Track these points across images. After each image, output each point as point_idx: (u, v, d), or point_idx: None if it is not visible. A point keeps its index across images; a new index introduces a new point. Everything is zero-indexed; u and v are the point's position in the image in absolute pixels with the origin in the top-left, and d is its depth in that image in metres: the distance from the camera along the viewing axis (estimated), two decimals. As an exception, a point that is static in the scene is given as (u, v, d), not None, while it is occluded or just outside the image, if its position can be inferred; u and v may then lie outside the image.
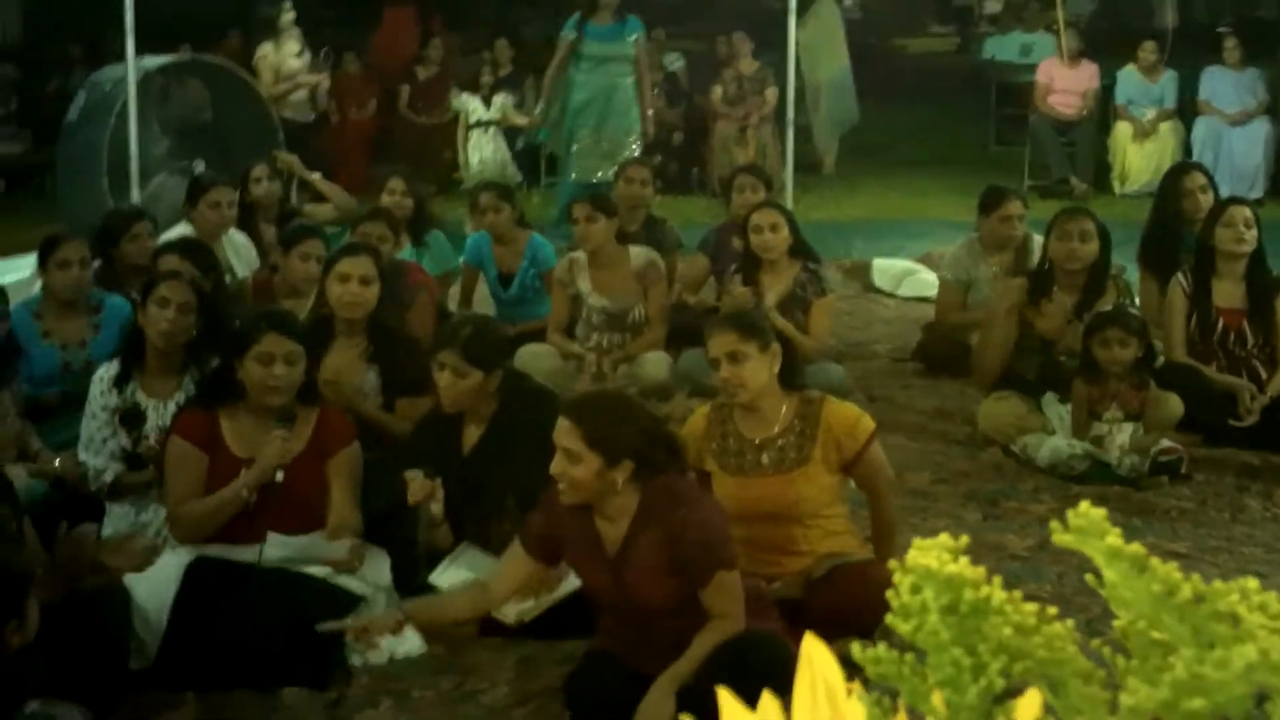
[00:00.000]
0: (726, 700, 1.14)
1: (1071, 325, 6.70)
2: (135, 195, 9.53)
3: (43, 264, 6.46)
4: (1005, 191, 8.14)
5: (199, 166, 10.43)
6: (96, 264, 6.77)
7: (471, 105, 13.88)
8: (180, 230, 7.59)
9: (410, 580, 4.91)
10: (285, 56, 13.15)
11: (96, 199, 10.04)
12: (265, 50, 13.21)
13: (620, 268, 7.63)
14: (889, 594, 0.89)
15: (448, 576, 4.88)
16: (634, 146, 11.42)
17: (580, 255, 7.69)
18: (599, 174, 11.11)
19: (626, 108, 11.50)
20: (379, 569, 4.89)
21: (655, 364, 7.43)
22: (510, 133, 13.97)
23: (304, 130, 13.02)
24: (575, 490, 4.09)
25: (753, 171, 9.00)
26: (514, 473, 4.95)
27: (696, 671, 3.98)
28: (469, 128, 13.83)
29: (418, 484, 4.90)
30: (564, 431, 4.07)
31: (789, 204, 9.94)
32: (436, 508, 4.92)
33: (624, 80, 11.45)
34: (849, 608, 4.20)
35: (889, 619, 0.89)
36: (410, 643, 4.74)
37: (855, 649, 0.90)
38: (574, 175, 11.55)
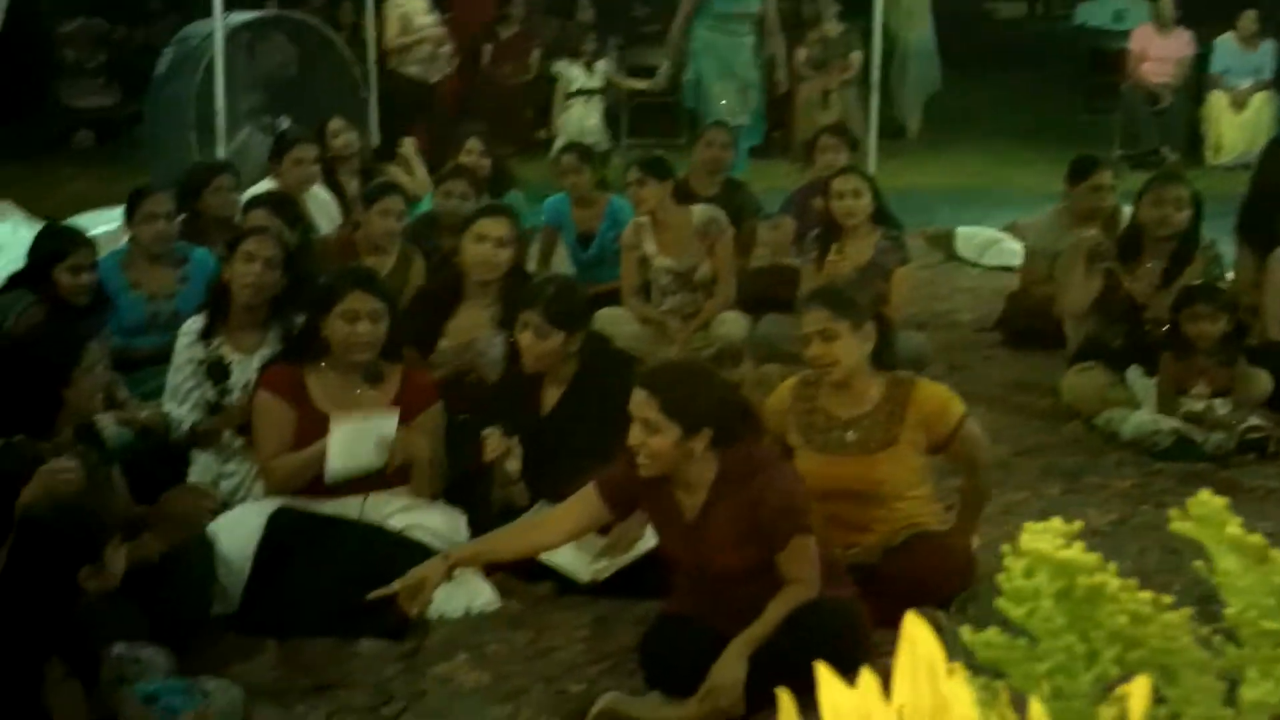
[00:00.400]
0: (824, 675, 1.13)
1: (1159, 292, 6.63)
2: (221, 150, 9.58)
3: (129, 216, 6.54)
4: (1095, 161, 8.02)
5: (284, 122, 10.47)
6: (181, 217, 6.84)
7: (572, 73, 13.46)
8: (265, 186, 7.64)
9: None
10: (415, 11, 12.86)
11: (184, 153, 10.12)
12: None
13: (683, 227, 7.58)
14: (1000, 578, 0.88)
15: None
16: (749, 110, 11.41)
17: (645, 219, 7.67)
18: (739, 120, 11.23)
19: (748, 67, 11.47)
20: (455, 528, 4.93)
21: (732, 323, 7.40)
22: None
23: (425, 90, 12.79)
24: (654, 461, 4.07)
25: (836, 131, 8.93)
26: (592, 435, 4.95)
27: (770, 636, 3.98)
28: (568, 95, 13.45)
29: (494, 440, 4.92)
30: (640, 402, 4.05)
31: (871, 169, 9.88)
32: (513, 465, 4.94)
33: (748, 39, 11.48)
34: (926, 577, 4.20)
35: (1000, 602, 0.89)
36: (486, 597, 4.78)
37: (965, 633, 0.90)
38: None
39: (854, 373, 4.66)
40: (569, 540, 4.48)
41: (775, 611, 4.02)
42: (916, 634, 1.10)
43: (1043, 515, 3.85)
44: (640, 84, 13.25)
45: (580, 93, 13.38)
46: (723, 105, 11.39)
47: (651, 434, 4.03)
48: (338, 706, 4.16)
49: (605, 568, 4.78)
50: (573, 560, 4.83)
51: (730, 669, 3.97)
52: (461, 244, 6.00)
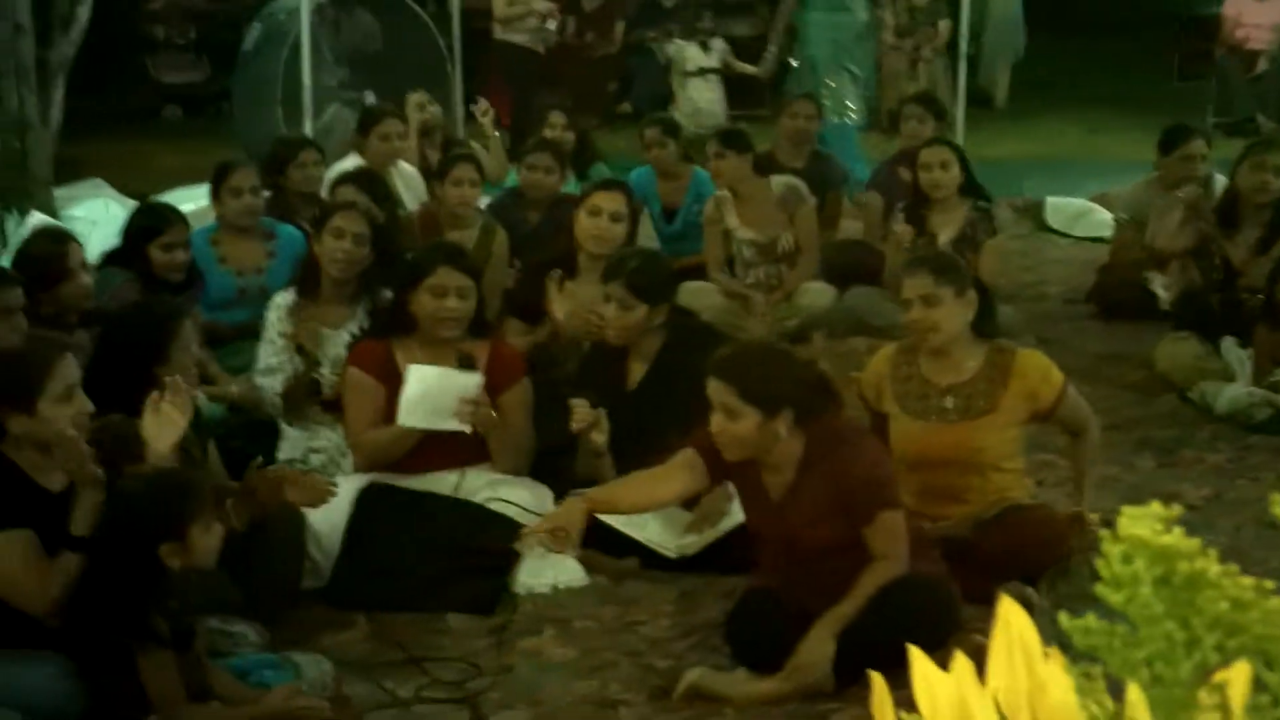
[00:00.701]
0: (917, 658, 1.13)
1: (1256, 260, 6.53)
2: (308, 126, 9.64)
3: (215, 191, 6.58)
4: (1188, 130, 7.92)
5: (369, 98, 10.52)
6: (267, 193, 6.88)
7: (689, 52, 12.89)
8: (351, 161, 7.66)
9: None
10: None
11: (271, 129, 10.18)
12: None
13: (763, 199, 7.56)
14: (1099, 563, 0.87)
15: None
16: (862, 93, 10.79)
17: (726, 192, 7.65)
18: (849, 115, 10.75)
19: (860, 54, 10.91)
20: (543, 503, 4.94)
21: (817, 293, 7.37)
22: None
23: (533, 58, 12.74)
24: (739, 446, 4.05)
25: (922, 101, 8.86)
26: (678, 410, 4.94)
27: (858, 614, 3.97)
28: (685, 73, 12.87)
29: (582, 410, 4.91)
30: (717, 390, 4.02)
31: (959, 140, 9.78)
32: (599, 437, 4.93)
33: (856, 17, 10.95)
34: (1018, 551, 4.17)
35: (1098, 589, 0.88)
36: (573, 573, 4.80)
37: (1063, 619, 0.89)
38: (834, 118, 10.73)
39: (954, 340, 4.62)
40: (679, 500, 4.49)
41: (863, 588, 4.00)
42: (1011, 616, 1.10)
43: (1136, 490, 3.84)
44: (750, 69, 12.71)
45: (700, 71, 12.86)
46: (834, 93, 10.70)
47: (733, 420, 4.01)
48: (427, 681, 4.19)
49: (692, 542, 4.79)
50: (660, 535, 4.84)
51: (818, 646, 3.95)
52: (576, 217, 5.99)
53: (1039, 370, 4.65)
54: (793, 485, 4.10)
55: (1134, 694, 0.90)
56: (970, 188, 7.33)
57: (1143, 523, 0.84)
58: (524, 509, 4.86)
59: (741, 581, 4.44)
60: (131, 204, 7.89)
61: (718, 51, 12.98)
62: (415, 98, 8.51)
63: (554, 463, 5.14)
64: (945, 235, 7.08)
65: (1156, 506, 0.83)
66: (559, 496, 4.94)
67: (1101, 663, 0.89)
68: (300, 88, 9.79)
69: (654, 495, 4.38)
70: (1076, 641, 0.89)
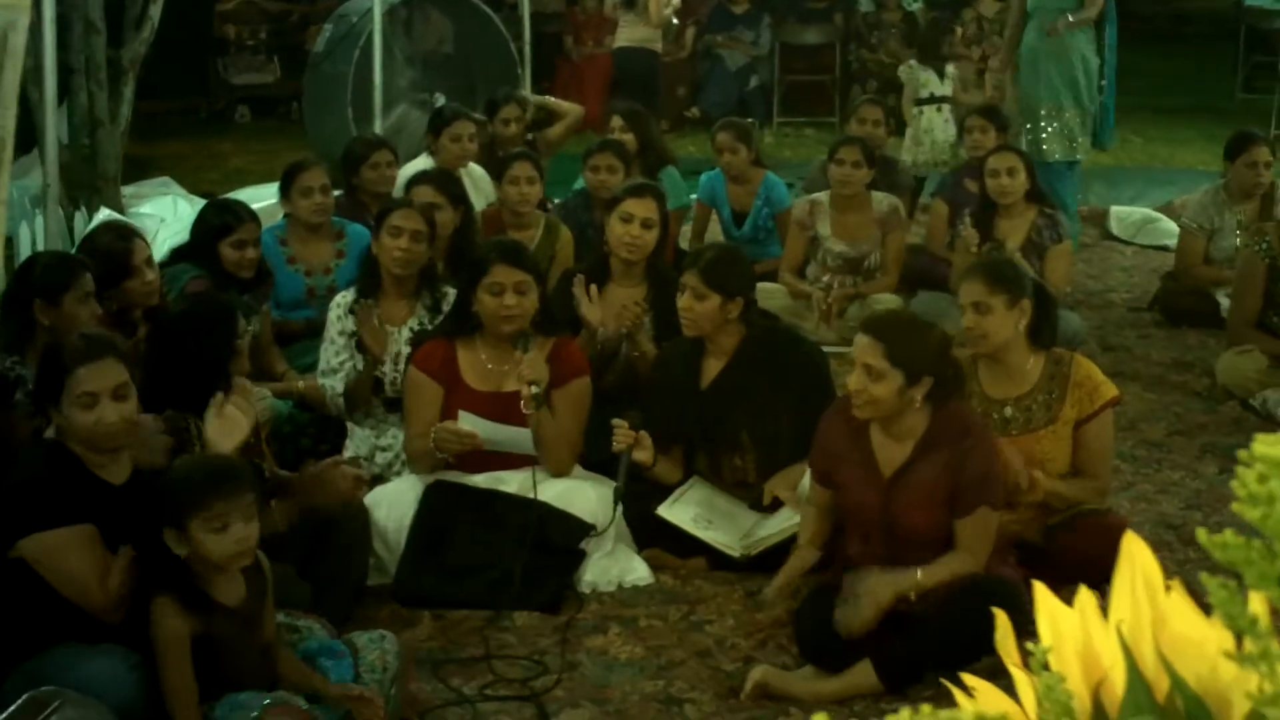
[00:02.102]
0: (1042, 592, 1.17)
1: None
2: (379, 126, 9.71)
3: (285, 191, 6.61)
4: (1252, 136, 7.92)
5: (440, 99, 10.58)
6: (339, 193, 6.92)
7: (924, 76, 11.12)
8: (421, 162, 7.70)
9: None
10: None
11: (342, 130, 10.26)
12: None
13: (863, 213, 7.59)
14: (1234, 484, 0.92)
15: (676, 511, 4.92)
16: (1083, 123, 8.83)
17: (822, 197, 7.66)
18: (1056, 155, 8.81)
19: (1078, 71, 8.82)
20: (609, 500, 4.95)
21: (887, 303, 7.39)
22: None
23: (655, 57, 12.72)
24: (873, 406, 4.13)
25: (985, 114, 8.83)
26: (752, 409, 4.96)
27: (923, 586, 4.00)
28: (917, 101, 10.97)
29: (622, 432, 4.90)
30: (865, 348, 4.10)
31: (951, 134, 9.84)
32: (641, 455, 4.91)
33: (1077, 36, 8.82)
34: (1089, 556, 4.13)
35: (1235, 506, 0.95)
36: (639, 572, 4.83)
37: (1201, 534, 0.96)
38: (1055, 155, 9.00)
39: (1006, 348, 4.62)
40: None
41: (942, 567, 4.06)
42: (1135, 551, 1.14)
43: (1198, 495, 3.84)
44: (977, 97, 10.75)
45: (931, 100, 10.93)
46: (1059, 124, 8.86)
47: (875, 380, 4.09)
48: (492, 678, 4.22)
49: (758, 543, 4.80)
50: (726, 536, 4.85)
51: (880, 588, 4.01)
52: (608, 223, 5.95)
53: (1093, 377, 4.65)
54: (908, 464, 4.17)
55: (1258, 601, 0.97)
56: (1036, 194, 7.32)
57: (1277, 446, 0.90)
58: (590, 506, 4.88)
59: (807, 582, 4.47)
60: (199, 202, 7.96)
61: (953, 78, 11.43)
62: (505, 112, 8.54)
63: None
64: (1013, 242, 7.07)
65: (1289, 432, 0.90)
66: (640, 491, 4.96)
67: (1239, 576, 0.95)
68: (371, 88, 9.86)
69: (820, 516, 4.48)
70: (1216, 556, 0.95)
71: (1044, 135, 8.70)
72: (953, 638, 3.86)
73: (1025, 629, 1.19)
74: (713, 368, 5.12)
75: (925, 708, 0.92)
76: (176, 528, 3.55)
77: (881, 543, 4.15)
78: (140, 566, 3.62)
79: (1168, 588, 1.16)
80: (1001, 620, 1.20)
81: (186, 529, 3.54)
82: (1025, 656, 1.08)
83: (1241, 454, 0.94)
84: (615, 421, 4.92)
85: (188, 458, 3.89)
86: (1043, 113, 8.71)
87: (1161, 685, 1.12)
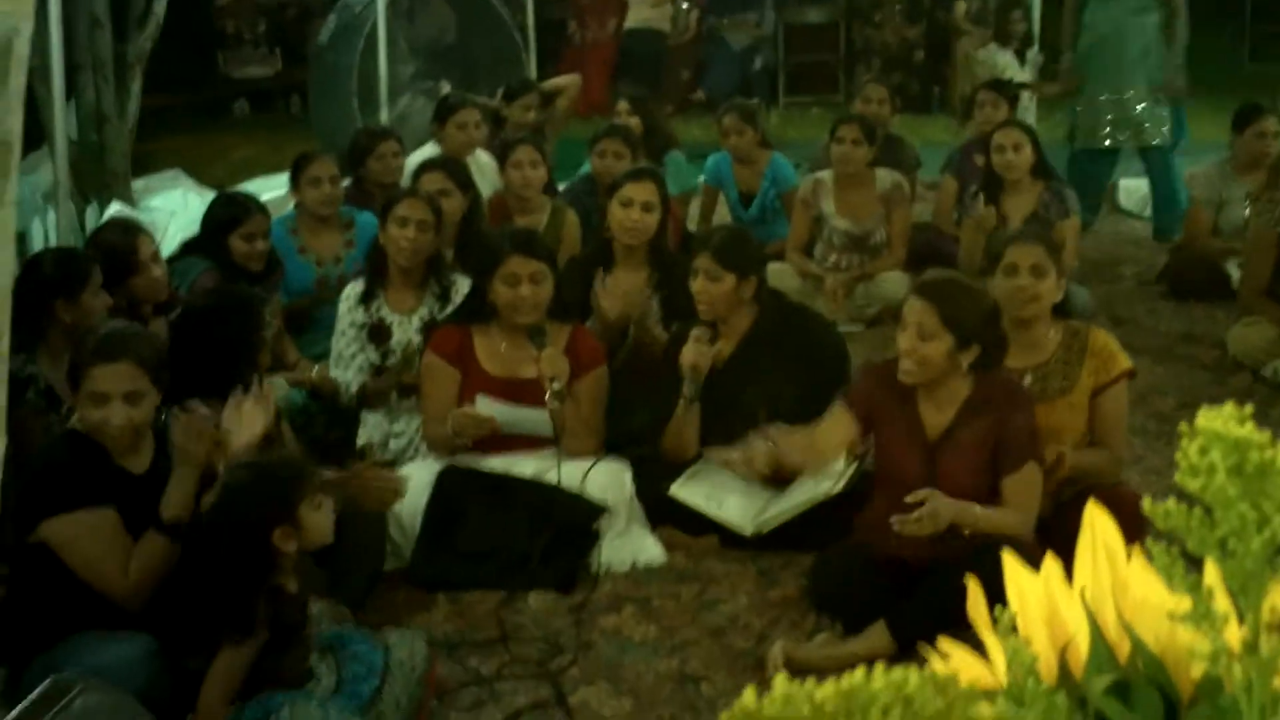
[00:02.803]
0: (1010, 561, 1.21)
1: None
2: (384, 116, 9.73)
3: (294, 181, 6.65)
4: (1259, 108, 7.94)
5: (445, 88, 10.60)
6: (347, 183, 6.95)
7: (1002, 60, 10.75)
8: (428, 151, 7.73)
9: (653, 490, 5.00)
10: None
11: (347, 120, 10.29)
12: None
13: (866, 190, 7.61)
14: (1177, 455, 0.97)
15: (688, 490, 4.95)
16: (1153, 108, 8.77)
17: (825, 176, 7.68)
18: (1105, 140, 8.85)
19: (1143, 54, 8.72)
20: (621, 481, 4.99)
21: (895, 283, 7.41)
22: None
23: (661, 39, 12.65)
24: (922, 369, 4.17)
25: (994, 87, 8.85)
26: (767, 387, 4.99)
27: (944, 576, 4.01)
28: (990, 86, 9.46)
29: (701, 344, 5.01)
30: (918, 309, 4.14)
31: (1032, 123, 9.75)
32: (703, 362, 5.01)
33: (1144, 18, 8.78)
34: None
35: (1176, 477, 0.99)
36: (652, 551, 4.86)
37: (1146, 504, 1.01)
38: (1077, 142, 9.18)
39: (1041, 317, 4.64)
40: (839, 454, 4.59)
41: (998, 515, 4.11)
42: (1096, 520, 1.18)
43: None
44: (1055, 88, 10.10)
45: (1009, 84, 9.47)
46: (1079, 109, 8.95)
47: (925, 341, 4.13)
48: (508, 659, 4.25)
49: (770, 520, 4.82)
50: (737, 513, 4.87)
51: (944, 503, 4.04)
52: (609, 209, 5.96)
53: (1110, 348, 4.66)
54: (952, 425, 4.21)
55: (1210, 566, 1.01)
56: (1043, 170, 7.33)
57: (1218, 419, 0.94)
58: (604, 487, 4.92)
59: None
60: (209, 195, 8.00)
61: (1033, 63, 11.14)
62: (523, 100, 8.57)
63: (638, 442, 5.21)
64: (1019, 217, 7.08)
65: (1231, 406, 0.95)
66: (639, 474, 5.00)
67: (1180, 542, 1.00)
68: (375, 78, 9.88)
69: (819, 447, 4.51)
70: (1159, 524, 1.00)
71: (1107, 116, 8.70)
72: (960, 600, 3.86)
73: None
74: (726, 348, 5.14)
75: (879, 667, 0.95)
76: (288, 522, 3.59)
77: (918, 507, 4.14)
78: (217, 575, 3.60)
79: (1128, 555, 1.21)
80: (973, 587, 1.24)
81: (297, 517, 3.60)
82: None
83: (1182, 426, 0.99)
84: (696, 332, 5.01)
85: (246, 464, 3.87)
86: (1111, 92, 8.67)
87: (1123, 648, 1.17)
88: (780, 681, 0.95)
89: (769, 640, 4.24)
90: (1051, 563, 1.22)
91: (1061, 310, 4.72)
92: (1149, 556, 1.02)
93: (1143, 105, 8.81)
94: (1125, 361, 4.65)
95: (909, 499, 4.07)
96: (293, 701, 3.42)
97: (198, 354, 4.44)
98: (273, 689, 3.50)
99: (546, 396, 4.89)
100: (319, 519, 3.66)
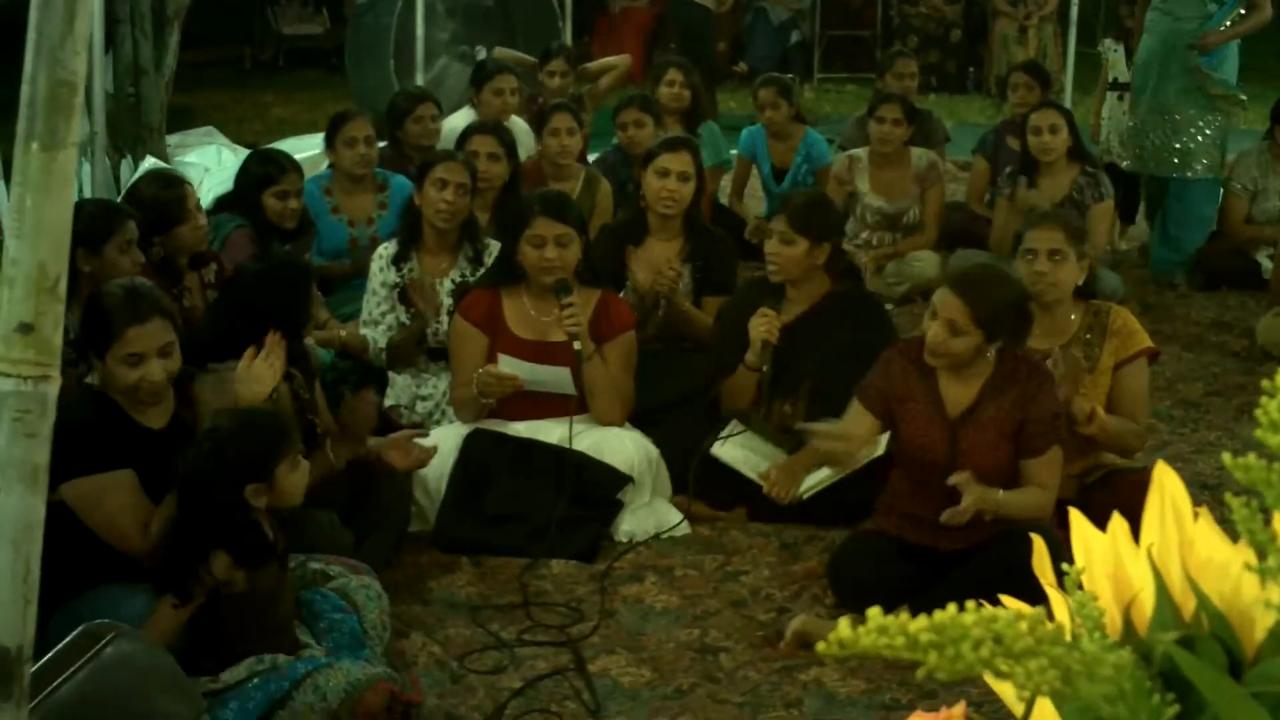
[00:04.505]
0: (1077, 518, 1.23)
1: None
2: (420, 79, 9.73)
3: (330, 141, 6.64)
4: (1301, 100, 7.86)
5: (481, 52, 10.60)
6: (383, 144, 6.95)
7: (1113, 57, 9.25)
8: (464, 115, 7.73)
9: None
10: None
11: (384, 82, 10.30)
12: None
13: (901, 169, 7.60)
14: (1258, 413, 0.98)
15: (726, 450, 4.98)
16: (1201, 136, 7.76)
17: (861, 153, 7.68)
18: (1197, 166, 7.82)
19: (1186, 69, 7.70)
20: (646, 452, 5.00)
21: (927, 262, 7.41)
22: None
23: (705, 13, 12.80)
24: (949, 359, 4.18)
25: (1029, 70, 8.81)
26: (818, 361, 4.99)
27: (1002, 508, 4.06)
28: (1109, 85, 9.17)
29: (769, 319, 5.01)
30: (951, 306, 4.14)
31: (1068, 106, 9.70)
32: (772, 336, 5.01)
33: (1193, 26, 7.74)
34: (1124, 512, 4.16)
35: (1258, 433, 1.02)
36: (675, 522, 4.87)
37: (1225, 458, 1.03)
38: (1124, 163, 8.31)
39: (1062, 300, 4.62)
40: (863, 445, 4.57)
41: (1025, 495, 4.12)
42: (1165, 480, 1.19)
43: (1236, 455, 3.83)
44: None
45: (1115, 86, 9.11)
46: (1128, 125, 8.11)
47: (955, 336, 4.14)
48: (530, 624, 4.27)
49: (809, 488, 4.83)
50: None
51: (971, 485, 4.04)
52: (644, 178, 5.94)
53: (1130, 324, 4.65)
54: (974, 405, 4.21)
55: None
56: (1079, 153, 7.30)
57: None
58: (627, 457, 4.92)
59: (843, 535, 4.51)
60: (243, 152, 8.01)
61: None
62: (553, 65, 8.55)
63: (675, 413, 5.23)
64: (1053, 200, 7.05)
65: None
66: (681, 443, 5.01)
67: (1260, 496, 1.02)
68: (413, 41, 9.87)
69: (850, 444, 4.51)
70: (1238, 478, 1.02)
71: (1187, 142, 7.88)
72: (990, 585, 3.87)
73: (1061, 581, 1.23)
74: (790, 313, 5.13)
75: (970, 604, 0.97)
76: (264, 479, 3.61)
77: (940, 484, 4.14)
78: (189, 528, 3.61)
79: (1195, 515, 1.22)
80: (1038, 545, 1.26)
81: (274, 476, 3.61)
82: (1060, 579, 1.13)
83: (1265, 383, 0.99)
84: (765, 310, 5.02)
85: (228, 412, 3.87)
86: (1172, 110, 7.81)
87: (1188, 605, 1.18)
88: (875, 613, 0.97)
89: (790, 613, 4.25)
90: (1119, 521, 1.24)
91: (1088, 293, 4.70)
92: (1229, 510, 1.04)
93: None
94: (1145, 340, 4.64)
95: (950, 481, 4.06)
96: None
97: (242, 318, 4.45)
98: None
99: (578, 354, 4.91)
100: (294, 480, 3.67)
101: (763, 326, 5.00)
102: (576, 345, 4.93)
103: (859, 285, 5.39)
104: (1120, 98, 8.86)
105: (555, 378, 4.98)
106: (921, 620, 0.95)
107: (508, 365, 4.96)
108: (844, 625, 0.97)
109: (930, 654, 0.94)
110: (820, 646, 0.99)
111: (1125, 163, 8.32)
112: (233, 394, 4.06)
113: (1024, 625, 0.96)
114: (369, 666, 3.55)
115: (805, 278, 5.11)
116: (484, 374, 4.95)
